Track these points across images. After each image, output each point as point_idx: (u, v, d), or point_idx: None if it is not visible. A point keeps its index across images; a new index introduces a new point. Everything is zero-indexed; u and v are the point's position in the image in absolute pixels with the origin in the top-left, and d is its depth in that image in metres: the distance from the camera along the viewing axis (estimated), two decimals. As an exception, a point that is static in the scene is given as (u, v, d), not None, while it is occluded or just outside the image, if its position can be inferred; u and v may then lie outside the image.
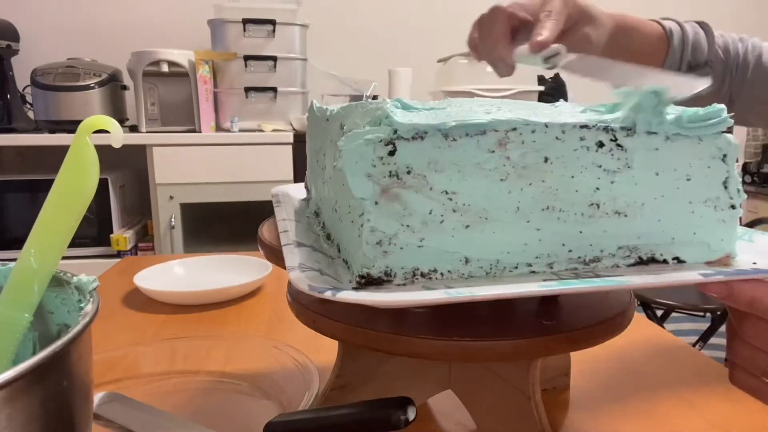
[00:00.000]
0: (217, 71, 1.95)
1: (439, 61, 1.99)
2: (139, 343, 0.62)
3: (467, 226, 0.34)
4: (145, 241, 1.91)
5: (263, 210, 1.83)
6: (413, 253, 0.34)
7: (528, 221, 0.34)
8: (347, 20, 2.35)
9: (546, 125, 0.33)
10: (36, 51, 2.11)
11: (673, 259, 0.37)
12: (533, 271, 0.35)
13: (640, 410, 0.51)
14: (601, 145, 0.34)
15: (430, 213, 0.33)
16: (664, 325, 1.81)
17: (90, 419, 0.29)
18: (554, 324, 0.36)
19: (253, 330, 0.69)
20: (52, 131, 1.85)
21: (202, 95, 1.88)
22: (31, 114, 2.00)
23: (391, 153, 0.32)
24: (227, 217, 1.97)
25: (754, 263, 0.35)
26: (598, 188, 0.35)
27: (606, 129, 0.34)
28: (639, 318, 0.72)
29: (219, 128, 1.97)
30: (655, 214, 0.36)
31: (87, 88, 1.84)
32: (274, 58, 1.93)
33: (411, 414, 0.33)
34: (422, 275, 0.34)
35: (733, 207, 0.36)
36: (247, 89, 1.92)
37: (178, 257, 0.92)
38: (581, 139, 0.34)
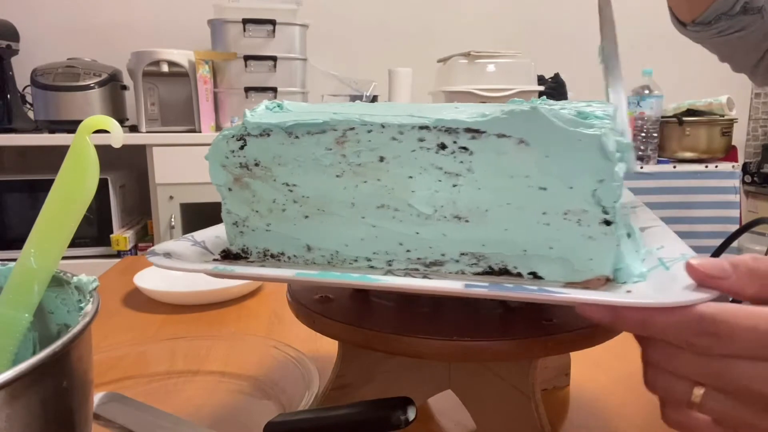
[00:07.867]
0: (217, 71, 1.95)
1: (439, 61, 1.99)
2: (139, 343, 0.62)
3: (307, 216, 0.37)
4: (145, 241, 1.91)
5: (263, 210, 1.83)
6: (263, 236, 0.38)
7: (363, 217, 0.36)
8: (347, 20, 2.35)
9: (382, 125, 0.34)
10: (36, 51, 2.11)
11: (529, 273, 0.34)
12: (372, 266, 0.36)
13: (640, 410, 0.51)
14: (443, 147, 0.33)
15: (274, 201, 0.37)
16: (664, 325, 1.80)
17: (90, 419, 0.29)
18: (554, 324, 0.36)
19: (253, 330, 0.69)
20: (52, 131, 1.85)
21: (202, 95, 1.88)
22: (31, 114, 2.00)
23: (242, 147, 0.37)
24: (227, 217, 1.96)
25: (629, 291, 0.31)
26: (437, 191, 0.34)
27: (449, 131, 0.33)
28: (639, 318, 0.72)
29: (219, 128, 1.97)
30: (501, 223, 0.33)
31: (87, 88, 1.84)
32: (274, 58, 1.93)
33: (411, 414, 0.33)
34: (272, 256, 0.38)
35: (607, 223, 0.32)
36: (247, 89, 1.92)
37: (178, 257, 0.91)
38: (420, 140, 0.33)
